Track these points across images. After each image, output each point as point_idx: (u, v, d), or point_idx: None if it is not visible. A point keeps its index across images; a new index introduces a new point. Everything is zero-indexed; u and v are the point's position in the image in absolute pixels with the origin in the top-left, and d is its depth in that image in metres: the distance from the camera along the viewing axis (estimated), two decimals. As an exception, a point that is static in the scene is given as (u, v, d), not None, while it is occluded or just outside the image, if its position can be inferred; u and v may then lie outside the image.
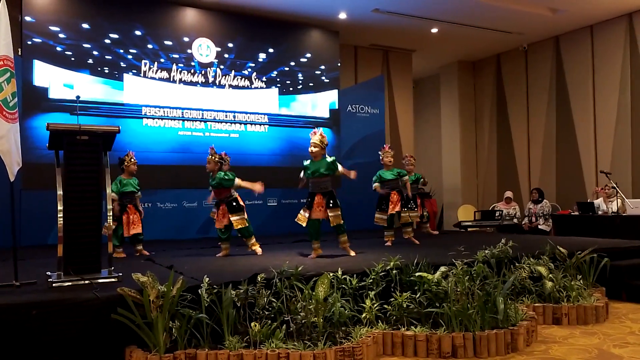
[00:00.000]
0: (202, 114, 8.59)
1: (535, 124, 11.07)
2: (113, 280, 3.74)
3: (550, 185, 10.55)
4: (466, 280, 3.92)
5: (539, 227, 9.39)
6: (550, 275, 4.59)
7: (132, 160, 5.89)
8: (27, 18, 7.39)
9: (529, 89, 11.25)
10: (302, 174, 5.49)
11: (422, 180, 8.09)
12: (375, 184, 6.58)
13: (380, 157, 6.73)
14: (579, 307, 4.31)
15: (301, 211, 5.35)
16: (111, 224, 5.32)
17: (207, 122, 8.62)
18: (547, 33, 10.47)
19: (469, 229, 9.41)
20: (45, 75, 7.46)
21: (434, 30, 10.06)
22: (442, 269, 4.07)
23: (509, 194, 10.31)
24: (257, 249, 5.60)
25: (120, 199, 5.74)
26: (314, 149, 5.31)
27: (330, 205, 5.26)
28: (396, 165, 6.91)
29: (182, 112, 8.44)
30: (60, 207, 3.72)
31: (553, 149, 10.68)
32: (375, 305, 3.79)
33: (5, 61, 3.93)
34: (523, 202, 10.66)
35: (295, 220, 5.36)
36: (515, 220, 9.75)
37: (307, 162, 5.42)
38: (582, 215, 8.49)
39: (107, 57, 7.89)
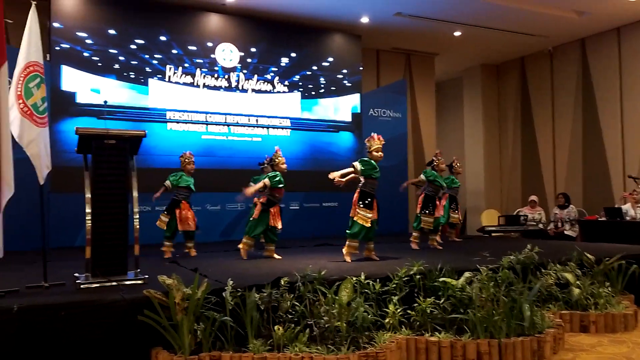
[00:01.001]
0: (225, 118, 8.67)
1: (561, 127, 10.89)
2: (139, 282, 3.79)
3: (577, 190, 10.36)
4: (491, 286, 3.88)
5: (565, 232, 9.23)
6: (578, 282, 4.52)
7: (187, 160, 6.15)
8: (55, 24, 7.55)
9: (554, 92, 11.09)
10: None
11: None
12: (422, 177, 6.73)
13: (435, 163, 6.80)
14: (607, 315, 4.23)
15: (362, 212, 5.29)
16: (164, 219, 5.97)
17: (230, 126, 8.70)
18: (572, 35, 10.31)
19: (492, 234, 9.30)
20: (72, 80, 7.61)
21: (457, 34, 9.99)
22: (467, 274, 4.03)
23: (533, 198, 10.15)
24: (276, 255, 5.68)
25: (175, 193, 6.04)
26: (381, 154, 5.44)
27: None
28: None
29: (206, 116, 8.53)
30: (88, 210, 3.79)
31: (579, 153, 10.50)
32: (398, 310, 3.77)
33: (35, 67, 4.04)
34: (548, 207, 10.49)
35: (360, 221, 5.28)
36: (540, 226, 9.60)
37: (369, 162, 5.40)
38: (610, 220, 8.32)
39: (132, 62, 8.02)
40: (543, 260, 4.76)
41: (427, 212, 6.52)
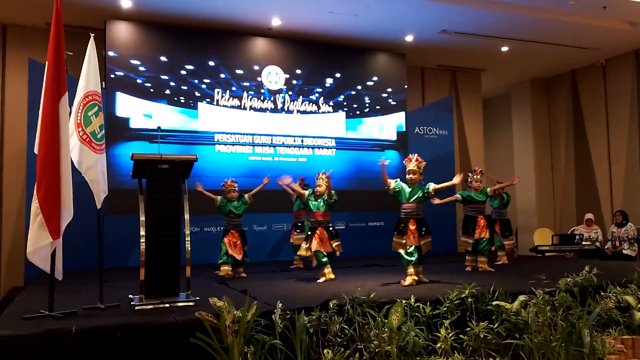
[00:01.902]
0: (272, 139, 8.80)
1: (617, 142, 10.48)
2: (190, 303, 3.85)
3: (635, 208, 9.89)
4: (548, 310, 3.74)
5: (624, 252, 8.83)
6: (639, 306, 4.30)
7: (227, 188, 6.32)
8: (110, 53, 7.90)
9: (608, 106, 10.70)
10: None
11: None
12: (457, 196, 6.64)
13: (469, 180, 6.65)
14: (674, 341, 4.00)
15: (396, 240, 5.22)
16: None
17: (276, 147, 8.82)
18: (625, 47, 9.96)
19: (546, 254, 8.99)
20: (126, 106, 7.92)
21: (504, 49, 9.82)
22: (521, 297, 3.90)
23: (589, 216, 9.75)
24: (331, 276, 5.61)
25: (225, 223, 6.33)
26: (413, 176, 5.34)
27: (423, 232, 5.20)
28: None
29: (253, 138, 8.68)
30: (142, 233, 3.89)
31: (636, 168, 10.05)
32: (450, 334, 3.68)
33: (94, 96, 4.23)
34: (605, 225, 10.06)
35: (393, 249, 5.25)
36: (597, 245, 9.22)
37: (399, 184, 5.35)
38: (673, 239, 7.91)
39: (183, 87, 8.28)
40: (602, 282, 4.56)
41: (466, 233, 6.45)
